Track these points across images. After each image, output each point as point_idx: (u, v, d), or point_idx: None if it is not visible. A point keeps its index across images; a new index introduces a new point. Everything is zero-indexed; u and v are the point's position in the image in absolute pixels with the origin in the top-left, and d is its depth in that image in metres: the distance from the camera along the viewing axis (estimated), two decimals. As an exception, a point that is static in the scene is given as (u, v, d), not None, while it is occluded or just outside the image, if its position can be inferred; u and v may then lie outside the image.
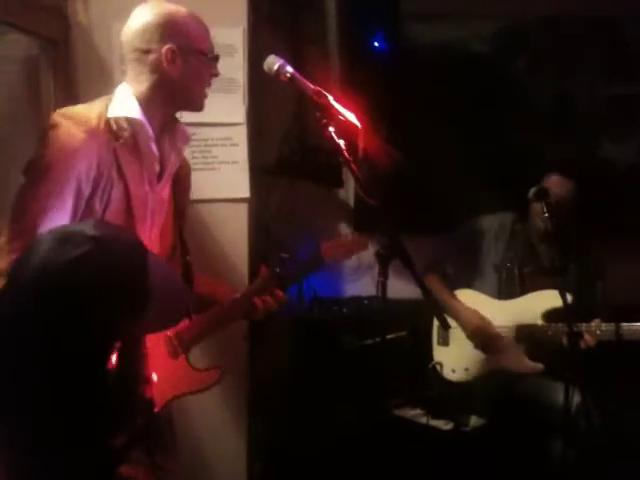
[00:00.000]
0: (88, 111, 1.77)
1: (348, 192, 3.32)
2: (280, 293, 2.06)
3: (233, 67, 2.67)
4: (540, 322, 2.76)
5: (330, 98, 1.81)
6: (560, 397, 2.36)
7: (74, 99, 2.61)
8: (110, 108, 1.79)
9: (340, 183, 3.26)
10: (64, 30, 2.57)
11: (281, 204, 2.91)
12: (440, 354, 2.92)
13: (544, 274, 2.83)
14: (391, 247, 1.77)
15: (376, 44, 2.85)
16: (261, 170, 2.87)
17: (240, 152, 2.71)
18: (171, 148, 1.91)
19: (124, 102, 1.80)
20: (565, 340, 2.42)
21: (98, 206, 1.74)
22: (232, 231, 2.68)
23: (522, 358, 2.80)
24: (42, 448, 1.08)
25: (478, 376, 2.83)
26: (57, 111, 1.77)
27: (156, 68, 1.80)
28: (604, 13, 3.32)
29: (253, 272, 2.51)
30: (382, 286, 1.81)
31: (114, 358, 1.14)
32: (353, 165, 1.78)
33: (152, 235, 1.92)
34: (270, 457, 2.90)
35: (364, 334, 2.86)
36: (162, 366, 1.86)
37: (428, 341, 2.94)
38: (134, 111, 1.79)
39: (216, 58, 1.89)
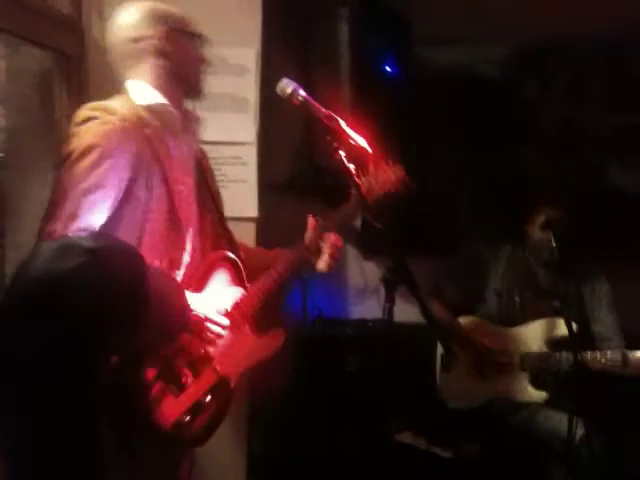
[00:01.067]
0: (115, 103, 1.79)
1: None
2: (333, 236, 2.09)
3: (245, 87, 2.69)
4: (544, 350, 2.75)
5: (341, 122, 1.82)
6: (563, 427, 2.34)
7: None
8: (136, 98, 1.82)
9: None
10: (78, 44, 2.59)
11: (289, 224, 2.89)
12: (443, 380, 2.90)
13: (546, 300, 2.83)
14: (397, 272, 1.77)
15: (387, 68, 2.87)
16: (270, 189, 2.87)
17: (249, 171, 2.72)
18: (186, 131, 1.94)
19: (145, 91, 1.84)
20: (569, 369, 2.41)
21: (142, 194, 1.75)
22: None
23: (525, 386, 2.78)
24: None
25: (480, 403, 2.81)
26: (84, 106, 1.78)
27: (153, 52, 1.85)
28: (615, 39, 3.33)
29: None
30: (389, 311, 1.80)
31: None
32: (362, 190, 1.79)
33: (194, 223, 1.93)
34: (269, 474, 2.88)
35: (367, 356, 2.85)
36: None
37: (431, 366, 2.93)
38: (158, 97, 1.84)
39: (203, 40, 1.93)
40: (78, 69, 2.59)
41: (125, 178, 1.70)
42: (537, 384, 2.76)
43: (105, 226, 1.63)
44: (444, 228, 3.16)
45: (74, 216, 1.57)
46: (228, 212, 2.65)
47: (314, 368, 2.92)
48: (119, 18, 1.87)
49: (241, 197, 2.71)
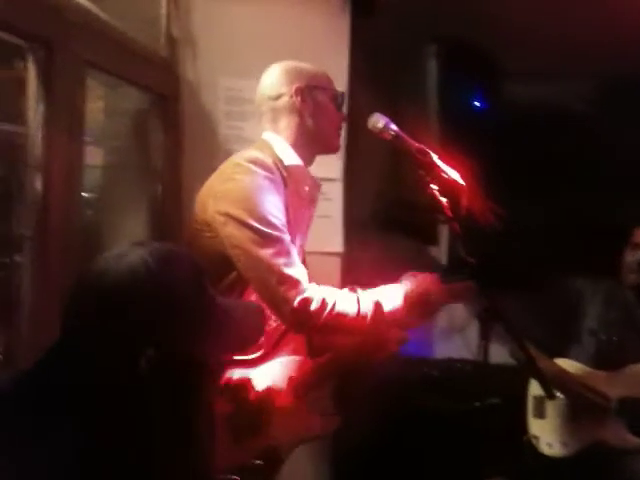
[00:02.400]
0: (264, 157, 1.82)
1: (441, 250, 3.27)
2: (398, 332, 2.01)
3: (331, 125, 2.71)
4: (645, 396, 2.59)
5: (434, 156, 1.80)
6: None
7: (181, 152, 2.72)
8: (282, 157, 1.86)
9: (435, 241, 3.22)
10: (174, 85, 2.69)
11: (374, 259, 2.88)
12: (535, 426, 2.76)
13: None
14: (492, 309, 1.71)
15: (476, 103, 2.85)
16: (355, 225, 2.87)
17: (335, 207, 2.73)
18: (310, 193, 1.96)
19: (287, 151, 1.88)
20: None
21: None
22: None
23: (624, 433, 2.62)
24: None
25: (576, 451, 2.66)
26: (237, 155, 1.84)
27: (290, 110, 1.88)
28: None
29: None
30: (484, 350, 1.74)
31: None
32: (455, 224, 1.75)
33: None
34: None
35: (455, 398, 2.76)
36: (284, 412, 1.85)
37: (522, 411, 2.80)
38: (297, 159, 1.88)
39: (341, 96, 1.95)
40: (173, 109, 2.68)
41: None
42: (636, 431, 2.60)
43: None
44: (534, 264, 3.05)
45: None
46: (314, 247, 2.67)
47: (399, 409, 2.85)
48: (262, 79, 1.94)
49: (326, 232, 2.71)
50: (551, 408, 2.71)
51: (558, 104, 3.30)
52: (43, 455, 1.02)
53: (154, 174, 2.69)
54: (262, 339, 1.85)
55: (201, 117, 2.73)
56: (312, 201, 1.99)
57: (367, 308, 1.80)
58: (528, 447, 2.71)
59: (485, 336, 1.74)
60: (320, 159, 2.69)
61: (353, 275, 2.92)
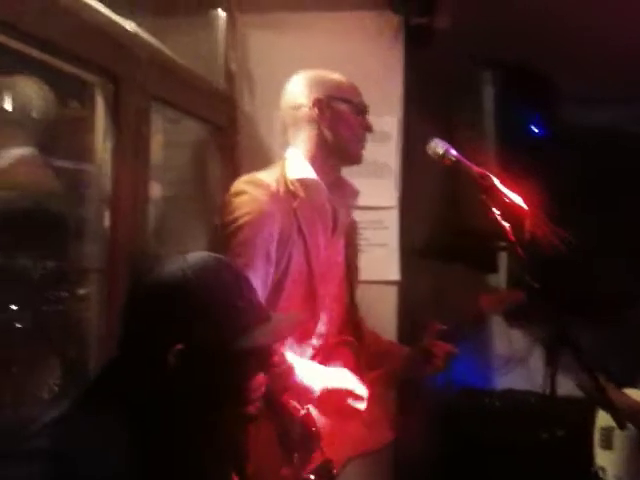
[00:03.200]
0: (267, 177, 1.84)
1: (500, 278, 3.22)
2: (446, 347, 2.01)
3: (386, 153, 2.73)
4: None
5: (495, 180, 1.79)
6: None
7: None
8: (288, 170, 1.87)
9: (495, 268, 3.17)
10: (231, 117, 2.74)
11: (431, 288, 2.87)
12: (603, 458, 2.67)
13: None
14: (559, 335, 1.67)
15: (534, 129, 2.82)
16: (411, 253, 2.85)
17: (391, 235, 2.72)
18: (340, 205, 1.95)
19: (298, 164, 1.87)
20: None
21: (283, 264, 1.78)
22: (381, 313, 2.65)
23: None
24: None
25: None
26: (239, 179, 1.86)
27: (309, 121, 1.88)
28: None
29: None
30: (552, 379, 1.69)
31: None
32: (518, 248, 1.72)
33: (331, 293, 1.94)
34: None
35: (517, 430, 2.68)
36: (338, 425, 1.84)
37: (589, 443, 2.71)
38: (308, 172, 1.86)
39: (363, 107, 1.93)
40: (231, 141, 2.73)
41: (270, 255, 1.75)
42: None
43: None
44: (605, 293, 2.96)
45: None
46: (370, 275, 2.66)
47: (460, 441, 2.79)
48: (286, 86, 1.95)
49: (383, 261, 2.71)
50: (619, 439, 2.62)
51: (618, 129, 3.24)
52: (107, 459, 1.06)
53: (212, 205, 2.74)
54: (312, 355, 1.85)
55: (257, 148, 2.77)
56: (343, 209, 1.96)
57: None
58: (595, 479, 2.61)
59: (551, 363, 1.69)
60: (375, 187, 2.72)
61: (410, 304, 2.90)
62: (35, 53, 1.61)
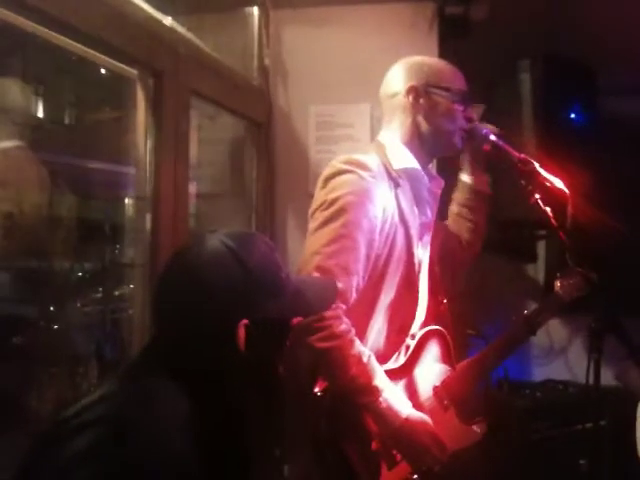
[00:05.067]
0: (367, 159, 1.75)
1: (538, 268, 3.18)
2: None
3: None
4: None
5: (536, 165, 1.77)
6: None
7: (274, 177, 2.79)
8: (390, 158, 1.80)
9: (534, 258, 3.14)
10: (267, 112, 2.77)
11: (469, 279, 2.83)
12: (647, 449, 2.62)
13: None
14: (606, 320, 1.65)
15: (572, 116, 2.78)
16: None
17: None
18: (429, 194, 1.89)
19: (400, 152, 1.81)
20: None
21: (383, 250, 1.71)
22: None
23: None
24: None
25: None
26: (337, 159, 1.75)
27: (404, 110, 1.81)
28: None
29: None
30: (596, 363, 1.67)
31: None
32: (561, 232, 1.70)
33: (428, 285, 1.89)
34: None
35: (559, 421, 2.65)
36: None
37: (631, 433, 2.66)
38: (412, 161, 1.80)
39: (464, 96, 1.83)
40: (266, 136, 2.76)
41: (373, 240, 1.68)
42: None
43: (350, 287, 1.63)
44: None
45: (327, 273, 1.58)
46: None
47: (500, 434, 2.76)
48: (387, 73, 1.88)
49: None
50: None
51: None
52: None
53: (248, 199, 2.76)
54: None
55: (292, 142, 2.79)
56: (434, 199, 1.90)
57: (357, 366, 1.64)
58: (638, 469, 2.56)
59: (597, 349, 1.66)
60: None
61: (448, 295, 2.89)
62: (76, 47, 1.65)
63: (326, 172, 1.74)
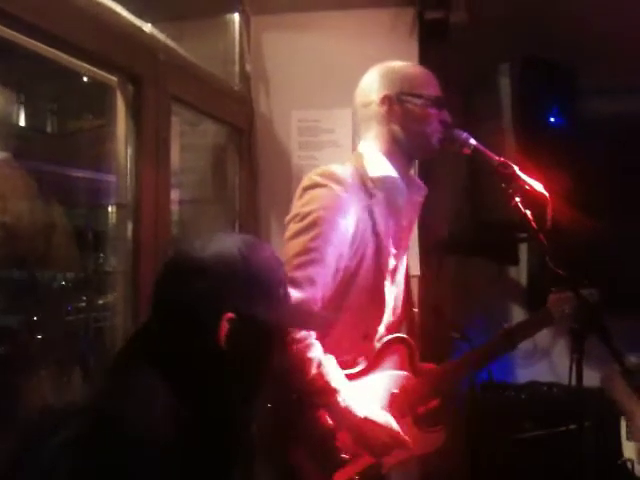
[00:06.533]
0: (342, 171, 1.78)
1: (520, 270, 3.21)
2: None
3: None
4: None
5: (516, 169, 1.79)
6: None
7: (256, 183, 2.79)
8: (367, 166, 1.82)
9: (516, 260, 3.16)
10: (249, 118, 2.77)
11: (452, 282, 2.87)
12: (630, 450, 2.64)
13: None
14: (589, 321, 1.67)
15: (552, 120, 2.81)
16: (432, 247, 2.85)
17: (411, 231, 2.72)
18: (409, 202, 1.90)
19: (377, 161, 1.82)
20: None
21: (352, 262, 1.75)
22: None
23: None
24: None
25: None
26: (313, 172, 1.79)
27: (380, 119, 1.83)
28: None
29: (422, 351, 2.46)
30: (578, 364, 1.69)
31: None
32: (541, 235, 1.72)
33: (397, 291, 1.92)
34: None
35: (543, 422, 2.67)
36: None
37: (616, 434, 2.68)
38: (388, 169, 1.82)
39: (438, 100, 1.83)
40: (248, 142, 2.76)
41: (342, 253, 1.71)
42: None
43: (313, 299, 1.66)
44: (626, 281, 2.93)
45: (294, 283, 1.61)
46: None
47: (486, 435, 2.78)
48: (360, 82, 1.88)
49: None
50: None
51: (637, 120, 3.21)
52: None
53: (231, 206, 2.76)
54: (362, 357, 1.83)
55: (275, 148, 2.79)
56: (413, 207, 1.92)
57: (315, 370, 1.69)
58: (623, 471, 2.59)
59: (578, 350, 1.68)
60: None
61: (431, 297, 2.90)
62: (56, 54, 1.64)
63: (303, 183, 1.78)
